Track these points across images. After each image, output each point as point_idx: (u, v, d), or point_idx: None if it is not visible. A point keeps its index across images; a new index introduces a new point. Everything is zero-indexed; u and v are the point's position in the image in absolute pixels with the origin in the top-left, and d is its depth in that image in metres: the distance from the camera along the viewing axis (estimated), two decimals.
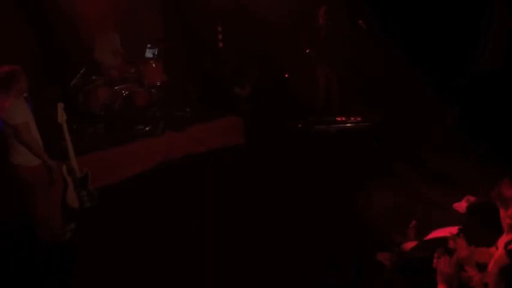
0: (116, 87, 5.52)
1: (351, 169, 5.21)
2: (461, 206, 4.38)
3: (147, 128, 5.50)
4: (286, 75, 7.60)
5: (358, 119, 6.63)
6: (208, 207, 4.53)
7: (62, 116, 4.09)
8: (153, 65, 5.74)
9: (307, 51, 7.35)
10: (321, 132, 6.43)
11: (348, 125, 6.54)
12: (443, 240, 2.71)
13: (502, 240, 2.46)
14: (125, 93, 5.32)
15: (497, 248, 2.50)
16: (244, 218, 4.38)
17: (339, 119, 6.65)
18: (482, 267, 2.46)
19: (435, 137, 6.09)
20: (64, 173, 4.12)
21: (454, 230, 2.84)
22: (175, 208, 4.58)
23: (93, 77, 5.64)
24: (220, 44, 7.40)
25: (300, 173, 5.31)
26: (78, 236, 4.09)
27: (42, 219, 3.71)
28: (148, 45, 6.69)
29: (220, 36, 7.42)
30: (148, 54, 6.58)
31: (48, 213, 3.72)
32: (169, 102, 6.01)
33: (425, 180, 5.08)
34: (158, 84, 5.75)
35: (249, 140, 6.35)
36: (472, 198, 4.36)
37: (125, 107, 5.33)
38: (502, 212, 2.50)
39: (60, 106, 4.10)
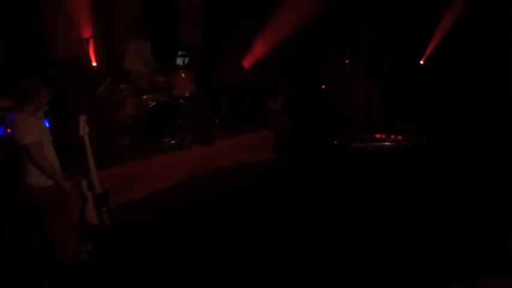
0: (143, 97, 5.37)
1: (388, 192, 4.91)
2: None
3: (173, 141, 5.32)
4: (323, 87, 7.29)
5: (399, 137, 6.26)
6: (235, 226, 4.33)
7: (84, 129, 3.94)
8: (182, 75, 5.56)
9: (347, 61, 7.09)
10: (358, 150, 6.10)
11: (388, 143, 6.19)
12: None
13: None
14: (151, 104, 5.14)
15: None
16: (273, 238, 4.12)
17: (378, 136, 6.31)
18: None
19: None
20: (84, 188, 3.96)
21: None
22: (200, 225, 4.37)
23: (122, 85, 5.52)
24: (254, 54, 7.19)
25: (333, 193, 5.03)
26: (95, 256, 3.93)
27: (57, 239, 3.55)
28: (179, 53, 6.56)
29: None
30: (179, 61, 6.44)
31: (64, 232, 3.56)
32: (198, 113, 5.81)
33: None
34: (187, 95, 5.56)
35: (280, 156, 6.11)
36: None
37: (151, 118, 5.15)
38: None
39: (83, 119, 3.94)
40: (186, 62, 6.10)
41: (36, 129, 3.27)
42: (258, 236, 4.17)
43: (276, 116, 6.52)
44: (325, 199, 4.88)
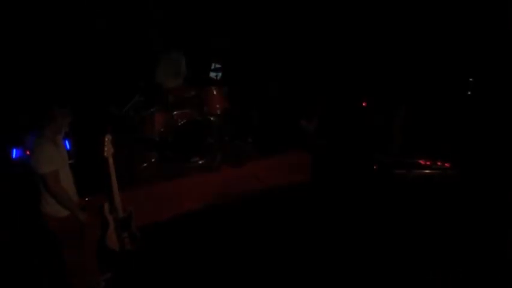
0: (173, 113, 5.21)
1: (429, 224, 4.56)
2: None
3: (201, 161, 5.15)
4: (364, 104, 6.91)
5: (446, 165, 5.82)
6: (265, 254, 4.10)
7: (109, 150, 3.79)
8: (214, 92, 5.36)
9: None
10: (399, 177, 5.72)
11: (433, 171, 5.76)
12: None
13: None
14: (181, 121, 4.98)
15: None
16: (306, 265, 3.93)
17: (422, 162, 5.89)
18: None
19: None
20: (105, 211, 3.80)
21: None
22: (227, 253, 4.17)
23: (153, 98, 5.39)
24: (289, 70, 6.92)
25: (370, 220, 4.74)
26: (114, 286, 3.76)
27: (73, 268, 3.40)
28: (213, 66, 6.38)
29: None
30: (212, 75, 6.26)
31: (81, 262, 3.40)
32: (230, 132, 5.61)
33: None
34: (218, 112, 5.37)
35: (315, 179, 5.81)
36: None
37: (179, 137, 4.99)
38: None
39: (108, 139, 3.80)
40: (219, 76, 5.91)
41: (53, 157, 3.14)
42: (290, 262, 3.98)
43: (311, 136, 6.23)
44: (361, 226, 4.61)
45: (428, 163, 5.85)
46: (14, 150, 4.26)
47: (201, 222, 4.77)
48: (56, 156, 3.17)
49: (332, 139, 6.28)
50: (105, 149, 3.77)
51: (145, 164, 4.93)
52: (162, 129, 5.12)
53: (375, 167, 5.88)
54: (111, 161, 3.80)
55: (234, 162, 5.29)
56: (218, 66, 6.36)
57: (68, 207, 3.21)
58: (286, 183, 5.53)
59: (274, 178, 5.49)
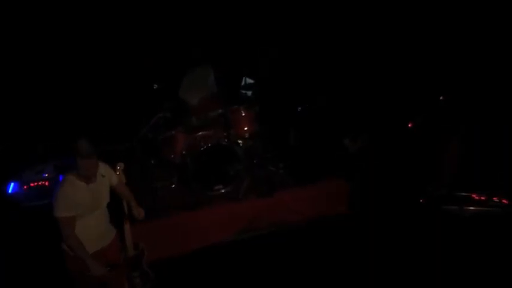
0: (197, 134, 4.84)
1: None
2: None
3: (224, 190, 4.74)
4: (410, 125, 6.27)
5: (504, 201, 5.18)
6: None
7: (121, 180, 3.44)
8: (243, 113, 4.95)
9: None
10: (450, 213, 5.11)
11: (489, 208, 5.13)
12: None
13: None
14: (204, 146, 4.58)
15: None
16: None
17: (476, 197, 5.27)
18: None
19: None
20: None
21: None
22: None
23: (175, 117, 5.04)
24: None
25: (417, 263, 4.22)
26: None
27: None
28: (243, 82, 5.99)
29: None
30: (242, 91, 5.87)
31: None
32: (258, 156, 5.18)
33: None
34: (246, 136, 4.95)
35: (354, 211, 5.26)
36: None
37: (202, 162, 4.60)
38: None
39: (121, 167, 3.46)
40: (249, 95, 5.51)
41: (72, 203, 2.87)
42: None
43: (352, 160, 5.67)
44: (401, 265, 4.18)
45: (483, 198, 5.24)
46: (12, 184, 4.00)
47: (223, 258, 4.37)
48: (77, 202, 2.89)
49: (376, 164, 5.71)
50: (118, 177, 3.44)
51: (163, 191, 4.57)
52: (184, 152, 4.75)
53: (421, 200, 5.30)
54: None
55: (263, 191, 4.83)
56: (250, 81, 5.95)
57: (80, 256, 2.90)
58: (321, 215, 5.05)
59: (307, 209, 4.99)
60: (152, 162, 4.75)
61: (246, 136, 4.97)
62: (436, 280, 4.03)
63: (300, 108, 6.32)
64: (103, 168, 3.12)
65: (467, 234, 4.71)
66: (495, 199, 5.23)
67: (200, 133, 4.88)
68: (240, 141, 4.97)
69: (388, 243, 4.62)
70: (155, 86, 5.00)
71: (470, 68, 6.03)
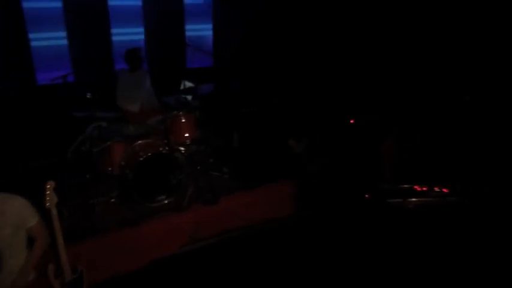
0: (135, 143, 4.61)
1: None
2: None
3: (167, 200, 4.56)
4: (352, 122, 6.36)
5: (445, 190, 5.37)
6: None
7: (51, 199, 3.17)
8: (183, 119, 4.78)
9: None
10: (394, 206, 5.23)
11: (431, 199, 5.29)
12: None
13: None
14: (143, 155, 4.37)
15: None
16: None
17: (418, 188, 5.42)
18: None
19: None
20: (50, 275, 3.19)
21: None
22: None
23: (112, 128, 4.78)
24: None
25: (364, 261, 4.26)
26: None
27: None
28: (183, 85, 5.79)
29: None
30: (181, 96, 5.68)
31: None
32: (202, 162, 5.02)
33: None
34: (188, 142, 4.79)
35: (301, 211, 5.22)
36: None
37: (142, 173, 4.38)
38: None
39: (51, 185, 3.19)
40: (189, 99, 5.33)
41: None
42: None
43: (298, 161, 5.65)
44: (353, 264, 4.20)
45: (425, 189, 5.40)
46: None
47: (170, 272, 4.18)
48: None
49: (322, 164, 5.73)
50: (47, 198, 3.16)
51: (102, 207, 4.31)
52: (122, 163, 4.51)
53: (366, 196, 5.38)
54: (54, 212, 3.19)
55: (208, 199, 4.69)
56: (190, 85, 5.76)
57: None
58: (269, 218, 4.99)
59: (254, 213, 4.91)
60: (88, 176, 4.46)
61: (188, 142, 4.80)
62: (385, 273, 4.12)
63: (243, 109, 6.25)
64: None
65: (413, 226, 4.87)
66: (436, 189, 5.42)
67: (139, 142, 4.64)
68: (181, 148, 4.79)
69: (336, 240, 4.67)
70: (88, 95, 4.72)
71: (405, 66, 6.24)
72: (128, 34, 6.84)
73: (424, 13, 6.11)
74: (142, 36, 6.96)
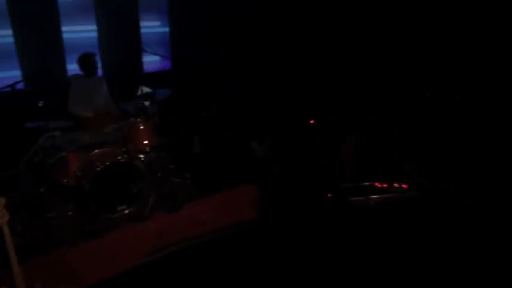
0: (91, 153, 4.45)
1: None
2: None
3: (128, 210, 4.43)
4: (312, 122, 6.41)
5: (404, 186, 5.50)
6: None
7: (2, 216, 3.00)
8: (141, 126, 4.66)
9: None
10: (357, 205, 5.30)
11: (390, 194, 5.40)
12: None
13: None
14: (101, 165, 4.23)
15: None
16: None
17: (378, 185, 5.52)
18: None
19: None
20: None
21: None
22: None
23: (67, 137, 4.60)
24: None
25: (329, 261, 4.22)
26: None
27: None
28: (140, 91, 5.65)
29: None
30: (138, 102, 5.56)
31: None
32: (163, 169, 4.92)
33: None
34: (147, 150, 4.67)
35: (264, 214, 5.14)
36: None
37: (100, 183, 4.24)
38: None
39: (1, 202, 3.02)
40: (147, 105, 5.21)
41: None
42: None
43: (261, 164, 5.64)
44: (318, 267, 4.12)
45: (385, 185, 5.51)
46: None
47: (134, 285, 4.06)
48: None
49: (284, 165, 5.73)
50: None
51: (59, 221, 4.13)
52: (78, 174, 4.34)
53: (328, 195, 5.43)
54: (6, 229, 3.03)
55: (170, 206, 4.60)
56: (147, 90, 5.63)
57: None
58: (233, 222, 4.93)
59: (219, 219, 4.84)
60: (42, 189, 4.26)
61: (147, 150, 4.68)
62: (351, 271, 4.16)
63: (203, 113, 6.19)
64: None
65: (375, 221, 4.95)
66: (396, 185, 5.54)
67: (95, 151, 4.48)
68: (141, 156, 4.66)
69: (301, 241, 4.68)
70: (40, 103, 4.52)
71: (361, 66, 6.36)
72: (80, 32, 6.56)
73: (391, 11, 6.24)
74: (95, 35, 6.71)
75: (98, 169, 4.19)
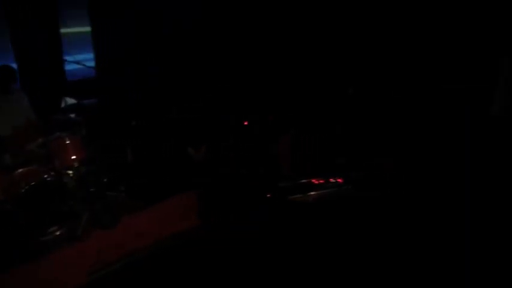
0: (14, 173, 4.13)
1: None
2: None
3: (60, 231, 4.17)
4: (245, 123, 6.39)
5: (339, 180, 5.63)
6: None
7: None
8: (67, 141, 4.39)
9: None
10: (297, 203, 5.36)
11: (327, 190, 5.52)
12: None
13: None
14: (25, 186, 3.94)
15: None
16: None
17: (315, 181, 5.62)
18: None
19: None
20: None
21: None
22: None
23: None
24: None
25: (271, 262, 4.24)
26: None
27: None
28: (64, 103, 5.33)
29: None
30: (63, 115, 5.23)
31: None
32: (95, 183, 4.67)
33: None
34: (76, 165, 4.41)
35: (206, 221, 5.06)
36: None
37: (26, 205, 3.94)
38: None
39: None
40: (73, 117, 4.93)
41: None
42: None
43: (198, 170, 5.54)
44: (260, 268, 4.14)
45: (322, 181, 5.62)
46: None
47: None
48: None
49: (223, 169, 5.67)
50: None
51: None
52: (1, 197, 4.00)
53: (268, 195, 5.45)
54: None
55: (106, 222, 4.37)
56: (72, 102, 5.32)
57: None
58: (174, 232, 4.81)
59: (159, 229, 4.70)
60: None
61: (76, 165, 4.41)
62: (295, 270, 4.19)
63: (134, 122, 5.97)
64: None
65: (315, 217, 5.04)
66: (331, 180, 5.67)
67: (19, 171, 4.15)
68: (69, 172, 4.38)
69: (245, 244, 4.66)
70: None
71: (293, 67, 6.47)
72: None
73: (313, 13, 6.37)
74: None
75: (23, 190, 3.90)
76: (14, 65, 5.66)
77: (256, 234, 4.71)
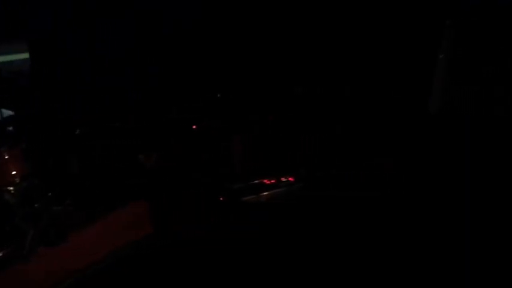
0: None
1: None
2: None
3: (3, 252, 3.89)
4: (194, 127, 6.31)
5: (290, 179, 5.70)
6: None
7: None
8: (6, 156, 4.11)
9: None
10: (251, 205, 5.36)
11: (279, 189, 5.57)
12: None
13: None
14: None
15: None
16: None
17: (267, 181, 5.66)
18: None
19: None
20: None
21: None
22: None
23: None
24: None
25: (229, 265, 4.24)
26: None
27: None
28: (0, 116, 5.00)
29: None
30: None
31: None
32: (39, 198, 4.42)
33: None
34: (17, 180, 4.15)
35: (160, 228, 4.96)
36: None
37: None
38: None
39: None
40: (11, 130, 4.64)
41: None
42: None
43: (149, 177, 5.39)
44: (219, 272, 4.13)
45: (273, 181, 5.66)
46: None
47: None
48: None
49: (176, 174, 5.55)
50: None
51: None
52: None
53: (221, 199, 5.42)
54: None
55: (52, 239, 4.16)
56: (9, 113, 5.00)
57: None
58: (128, 240, 4.66)
59: (111, 242, 4.53)
60: None
61: (17, 180, 4.16)
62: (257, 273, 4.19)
63: (78, 131, 5.71)
64: None
65: (270, 219, 5.06)
66: (283, 179, 5.73)
67: None
68: (10, 188, 4.12)
69: (202, 250, 4.59)
70: None
71: (243, 66, 6.42)
72: None
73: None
74: None
75: None
76: None
77: (213, 240, 4.70)
